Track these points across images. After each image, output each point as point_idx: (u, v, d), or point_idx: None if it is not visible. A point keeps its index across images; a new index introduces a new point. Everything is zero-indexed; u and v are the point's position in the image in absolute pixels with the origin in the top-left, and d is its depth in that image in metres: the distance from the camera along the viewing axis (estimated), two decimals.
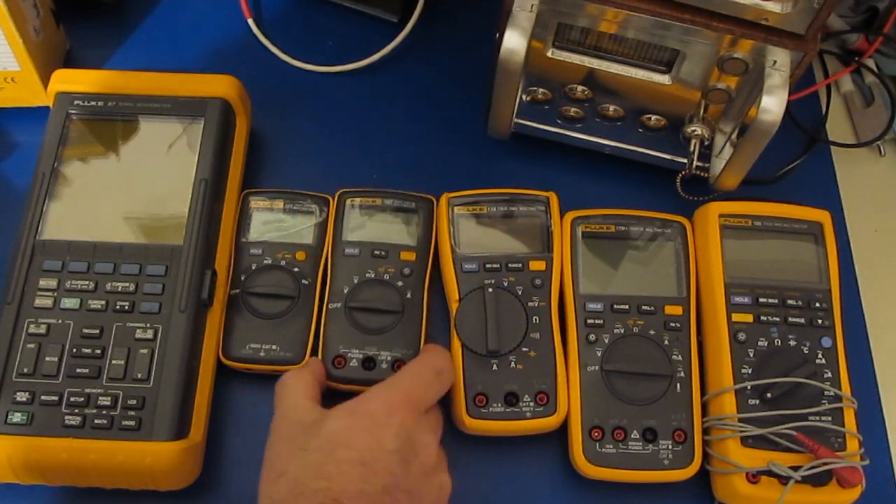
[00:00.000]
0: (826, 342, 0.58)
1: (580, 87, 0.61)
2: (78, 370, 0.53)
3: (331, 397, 0.56)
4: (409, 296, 0.59)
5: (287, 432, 0.49)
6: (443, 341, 0.60)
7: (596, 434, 0.56)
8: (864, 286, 0.66)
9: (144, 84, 0.62)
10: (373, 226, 0.61)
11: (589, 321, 0.59)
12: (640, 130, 0.63)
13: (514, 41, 0.54)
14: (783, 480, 0.54)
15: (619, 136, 0.64)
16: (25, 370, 0.53)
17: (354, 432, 0.46)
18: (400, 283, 0.59)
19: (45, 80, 0.63)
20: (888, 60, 0.74)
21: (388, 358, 0.57)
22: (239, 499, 0.56)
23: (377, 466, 0.45)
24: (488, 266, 0.59)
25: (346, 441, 0.46)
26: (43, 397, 0.53)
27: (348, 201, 0.62)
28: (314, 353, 0.58)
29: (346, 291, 0.59)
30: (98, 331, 0.54)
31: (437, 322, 0.61)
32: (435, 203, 0.62)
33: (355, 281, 0.59)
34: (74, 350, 0.54)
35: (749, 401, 0.56)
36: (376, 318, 0.58)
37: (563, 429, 0.57)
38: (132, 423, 0.52)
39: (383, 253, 0.60)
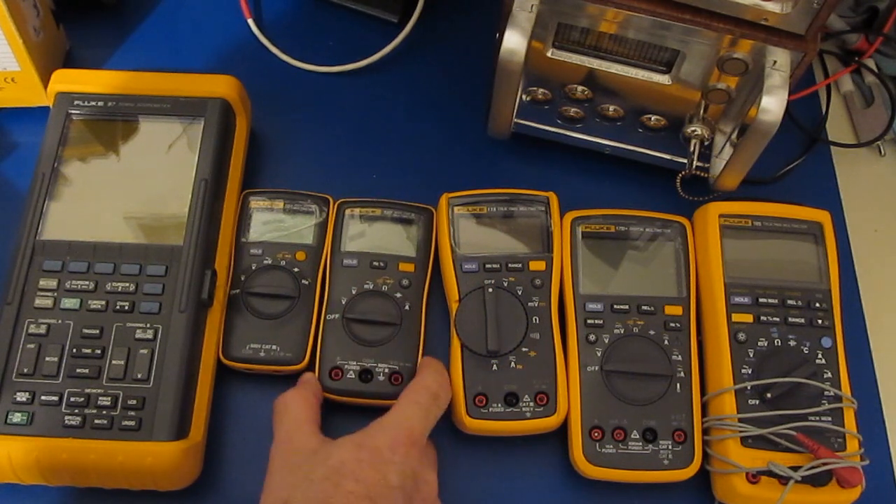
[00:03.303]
0: (826, 342, 0.58)
1: (580, 87, 0.61)
2: (78, 370, 0.53)
3: (327, 409, 0.56)
4: (407, 307, 0.59)
5: (290, 460, 0.49)
6: (443, 342, 0.60)
7: (596, 434, 0.56)
8: (864, 286, 0.66)
9: (144, 84, 0.62)
10: (372, 236, 0.61)
11: (589, 321, 0.59)
12: (640, 130, 0.63)
13: (514, 41, 0.54)
14: (783, 480, 0.54)
15: (619, 136, 0.64)
16: (25, 370, 0.53)
17: (361, 466, 0.46)
18: (398, 295, 0.59)
19: (45, 80, 0.63)
20: (888, 60, 0.74)
21: (386, 370, 0.57)
22: (239, 499, 0.56)
23: (382, 502, 0.45)
24: (488, 266, 0.59)
25: (353, 474, 0.46)
26: (43, 397, 0.53)
27: (347, 211, 0.62)
28: (313, 356, 0.58)
29: (343, 302, 0.59)
30: (98, 331, 0.54)
31: (437, 323, 0.61)
32: (434, 213, 0.62)
33: (353, 292, 0.59)
34: (74, 350, 0.54)
35: (749, 401, 0.56)
36: (374, 329, 0.58)
37: (563, 429, 0.57)
38: (132, 423, 0.52)
39: (382, 264, 0.60)
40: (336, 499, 0.45)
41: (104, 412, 0.52)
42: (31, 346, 0.54)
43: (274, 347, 0.58)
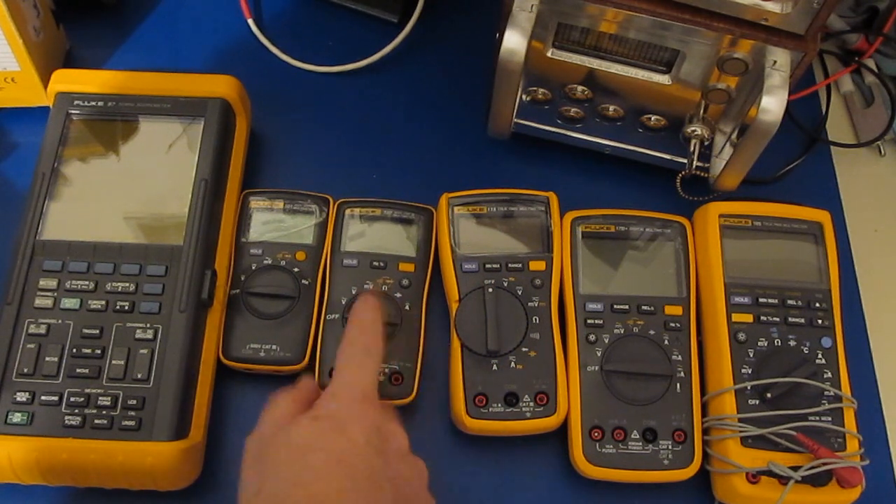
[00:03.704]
0: (826, 342, 0.58)
1: (580, 87, 0.61)
2: (78, 370, 0.53)
3: None
4: (407, 307, 0.59)
5: (256, 450, 0.47)
6: (443, 342, 0.60)
7: (596, 434, 0.56)
8: (864, 286, 0.66)
9: (144, 84, 0.62)
10: (372, 236, 0.61)
11: (589, 321, 0.59)
12: (640, 130, 0.63)
13: (514, 41, 0.54)
14: (783, 480, 0.54)
15: (619, 136, 0.64)
16: (25, 370, 0.53)
17: (323, 436, 0.45)
18: (398, 295, 0.59)
19: (45, 80, 0.63)
20: (888, 60, 0.74)
21: (386, 370, 0.57)
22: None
23: (355, 462, 0.44)
24: (488, 266, 0.59)
25: (316, 445, 0.44)
26: (43, 397, 0.53)
27: (347, 211, 0.62)
28: (313, 356, 0.58)
29: (343, 302, 0.59)
30: (98, 331, 0.54)
31: (437, 323, 0.61)
32: (434, 213, 0.62)
33: (353, 292, 0.59)
34: (74, 350, 0.54)
35: (749, 401, 0.56)
36: None
37: (563, 429, 0.57)
38: (132, 423, 0.52)
39: (382, 264, 0.60)
40: (305, 473, 0.44)
41: (104, 412, 0.52)
42: (31, 346, 0.54)
43: (274, 347, 0.58)
